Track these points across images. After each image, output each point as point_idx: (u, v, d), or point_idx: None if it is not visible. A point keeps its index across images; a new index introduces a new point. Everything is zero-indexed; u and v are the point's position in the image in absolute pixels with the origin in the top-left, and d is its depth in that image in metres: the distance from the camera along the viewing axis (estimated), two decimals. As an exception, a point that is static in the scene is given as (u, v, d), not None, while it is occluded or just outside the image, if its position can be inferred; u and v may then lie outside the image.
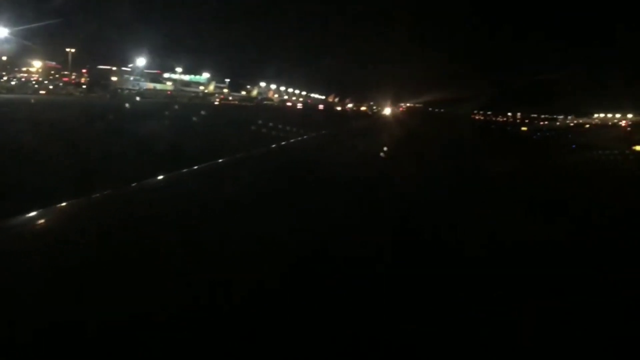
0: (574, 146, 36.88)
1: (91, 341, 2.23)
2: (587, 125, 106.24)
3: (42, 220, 3.40)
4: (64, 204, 3.67)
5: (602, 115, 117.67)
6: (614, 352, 2.75)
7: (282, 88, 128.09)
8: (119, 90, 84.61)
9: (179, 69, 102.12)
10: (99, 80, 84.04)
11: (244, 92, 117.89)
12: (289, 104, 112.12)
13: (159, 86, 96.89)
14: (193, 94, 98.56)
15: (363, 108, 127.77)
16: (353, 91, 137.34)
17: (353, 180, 6.02)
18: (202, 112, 50.55)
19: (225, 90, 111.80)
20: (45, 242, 3.09)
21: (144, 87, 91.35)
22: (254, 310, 2.54)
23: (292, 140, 13.11)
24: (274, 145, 10.99)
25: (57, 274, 2.72)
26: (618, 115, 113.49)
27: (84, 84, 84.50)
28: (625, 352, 2.77)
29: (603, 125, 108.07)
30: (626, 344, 2.81)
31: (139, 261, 2.84)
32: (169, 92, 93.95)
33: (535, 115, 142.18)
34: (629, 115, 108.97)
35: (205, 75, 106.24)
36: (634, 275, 3.93)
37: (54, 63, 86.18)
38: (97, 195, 3.84)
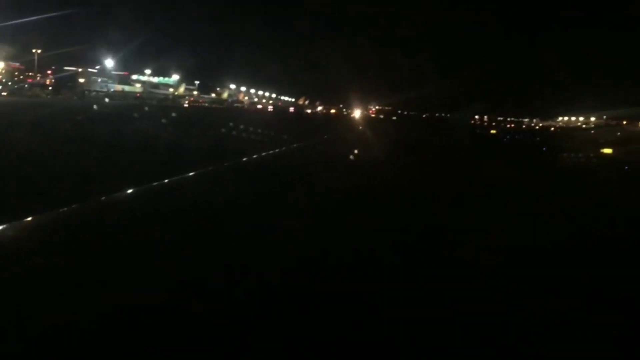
0: (544, 148, 37.80)
1: (91, 340, 2.24)
2: (552, 128, 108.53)
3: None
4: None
5: (565, 118, 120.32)
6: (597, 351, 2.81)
7: (252, 90, 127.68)
8: (87, 92, 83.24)
9: (147, 71, 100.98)
10: (66, 82, 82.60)
11: (213, 95, 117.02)
12: (259, 106, 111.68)
13: (127, 88, 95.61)
14: (162, 96, 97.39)
15: (333, 111, 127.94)
16: (323, 94, 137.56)
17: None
18: (173, 114, 49.79)
19: (195, 92, 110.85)
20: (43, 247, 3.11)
21: (112, 89, 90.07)
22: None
23: (263, 154, 12.83)
24: (244, 159, 10.76)
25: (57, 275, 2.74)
26: (582, 119, 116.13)
27: (50, 85, 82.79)
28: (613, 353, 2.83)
29: (568, 128, 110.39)
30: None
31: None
32: (138, 94, 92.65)
33: (501, 118, 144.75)
34: (592, 119, 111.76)
35: (175, 77, 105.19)
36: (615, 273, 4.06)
37: (17, 64, 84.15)
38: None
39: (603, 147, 39.19)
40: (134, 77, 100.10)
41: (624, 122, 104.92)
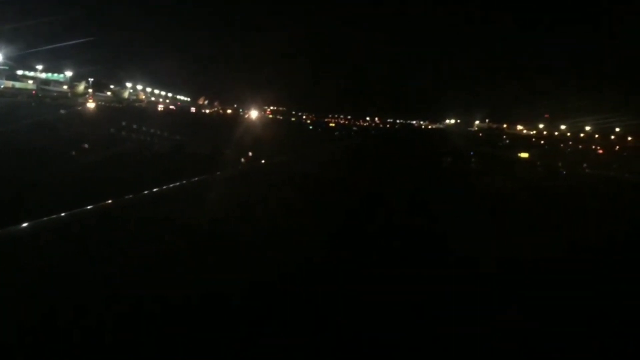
0: (472, 152, 41.08)
1: (92, 340, 2.54)
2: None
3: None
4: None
5: (452, 121, 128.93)
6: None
7: (149, 89, 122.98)
8: (-30, 89, 75.87)
9: (37, 67, 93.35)
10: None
11: (109, 93, 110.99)
12: (160, 106, 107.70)
13: (18, 84, 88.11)
14: (56, 94, 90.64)
15: (229, 111, 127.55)
16: (220, 94, 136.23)
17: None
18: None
19: (90, 90, 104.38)
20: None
21: (2, 86, 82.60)
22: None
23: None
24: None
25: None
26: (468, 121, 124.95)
27: None
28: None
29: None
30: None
31: None
32: (34, 92, 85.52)
33: (391, 120, 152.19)
34: (476, 122, 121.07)
35: (67, 73, 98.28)
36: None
37: None
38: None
39: (520, 152, 43.68)
40: (19, 72, 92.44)
41: (504, 125, 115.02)
